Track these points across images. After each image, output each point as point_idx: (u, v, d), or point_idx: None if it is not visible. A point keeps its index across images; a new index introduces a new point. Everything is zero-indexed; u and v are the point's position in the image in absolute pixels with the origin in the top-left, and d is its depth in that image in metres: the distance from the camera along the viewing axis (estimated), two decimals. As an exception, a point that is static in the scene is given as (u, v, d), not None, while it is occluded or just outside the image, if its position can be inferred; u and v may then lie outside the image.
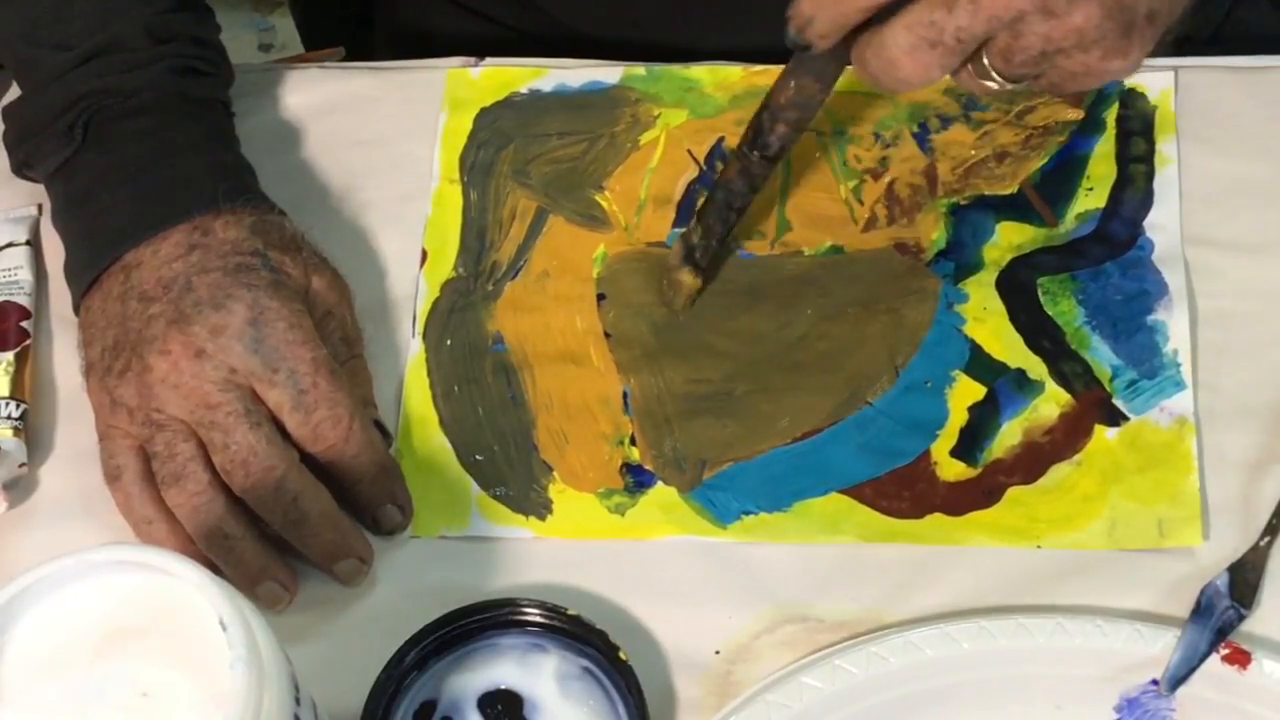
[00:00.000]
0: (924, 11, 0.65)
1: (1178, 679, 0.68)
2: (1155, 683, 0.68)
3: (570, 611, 0.69)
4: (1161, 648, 0.69)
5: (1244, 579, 0.71)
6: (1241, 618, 0.69)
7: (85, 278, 0.77)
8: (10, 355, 0.78)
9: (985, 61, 0.66)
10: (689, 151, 0.84)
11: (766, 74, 0.85)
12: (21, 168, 0.81)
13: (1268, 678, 0.68)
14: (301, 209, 0.80)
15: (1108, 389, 0.76)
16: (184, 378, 0.72)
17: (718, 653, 0.71)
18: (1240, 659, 0.68)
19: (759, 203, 0.82)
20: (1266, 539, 0.72)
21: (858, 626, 0.72)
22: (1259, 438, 0.75)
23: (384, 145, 0.86)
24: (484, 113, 0.86)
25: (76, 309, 0.77)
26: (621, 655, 0.68)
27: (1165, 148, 0.82)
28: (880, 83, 0.67)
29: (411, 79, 0.88)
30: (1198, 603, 0.70)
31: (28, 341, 0.79)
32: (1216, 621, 0.69)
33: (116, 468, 0.73)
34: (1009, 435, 0.76)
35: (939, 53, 0.65)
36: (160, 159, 0.78)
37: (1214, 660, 0.68)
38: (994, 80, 0.67)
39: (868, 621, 0.72)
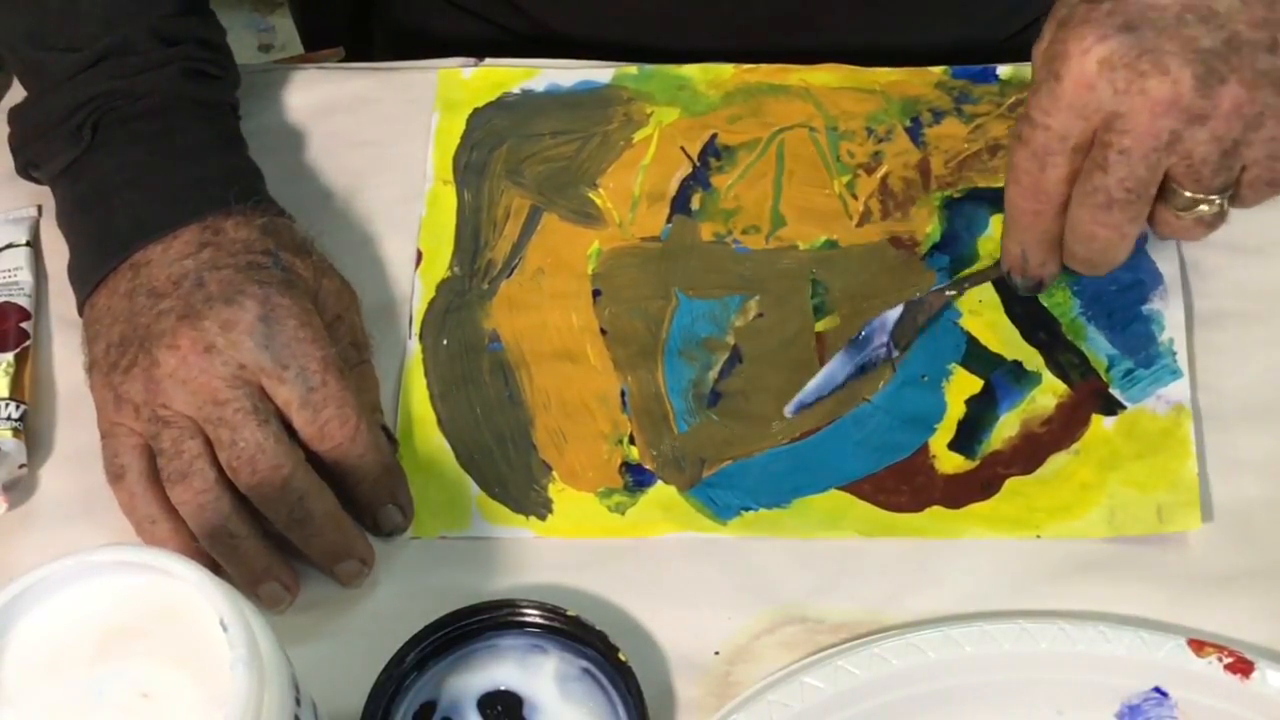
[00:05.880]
0: (1085, 183, 0.67)
1: (805, 404, 0.72)
2: (1158, 689, 0.68)
3: (570, 612, 0.69)
4: (1165, 654, 0.68)
5: (911, 319, 0.73)
6: (890, 361, 0.71)
7: (92, 277, 0.76)
8: (10, 356, 0.78)
9: (1184, 193, 0.67)
10: (682, 148, 0.84)
11: (757, 72, 0.86)
12: (27, 168, 0.81)
13: (1269, 687, 0.68)
14: (300, 210, 0.80)
15: (1104, 379, 0.77)
16: (193, 373, 0.71)
17: (717, 653, 0.71)
18: (1243, 668, 0.68)
19: (754, 197, 0.82)
20: (953, 292, 0.76)
21: (858, 627, 0.71)
22: (1259, 438, 0.75)
23: (382, 146, 0.86)
24: (477, 113, 0.86)
25: (81, 309, 0.77)
26: (621, 656, 0.68)
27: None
28: (1095, 264, 0.70)
29: (410, 80, 0.87)
30: (858, 334, 0.73)
31: (27, 342, 0.79)
32: (865, 357, 0.72)
33: (120, 466, 0.73)
34: (1007, 427, 0.76)
35: (1119, 210, 0.67)
36: (171, 161, 0.78)
37: (1217, 668, 0.68)
38: (1204, 203, 0.67)
39: (868, 622, 0.72)
